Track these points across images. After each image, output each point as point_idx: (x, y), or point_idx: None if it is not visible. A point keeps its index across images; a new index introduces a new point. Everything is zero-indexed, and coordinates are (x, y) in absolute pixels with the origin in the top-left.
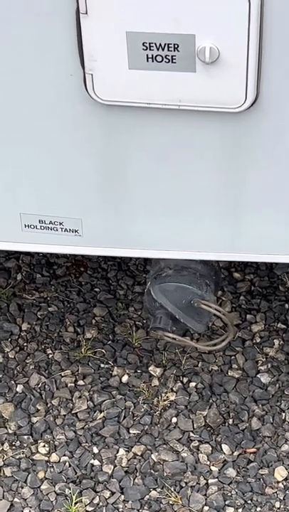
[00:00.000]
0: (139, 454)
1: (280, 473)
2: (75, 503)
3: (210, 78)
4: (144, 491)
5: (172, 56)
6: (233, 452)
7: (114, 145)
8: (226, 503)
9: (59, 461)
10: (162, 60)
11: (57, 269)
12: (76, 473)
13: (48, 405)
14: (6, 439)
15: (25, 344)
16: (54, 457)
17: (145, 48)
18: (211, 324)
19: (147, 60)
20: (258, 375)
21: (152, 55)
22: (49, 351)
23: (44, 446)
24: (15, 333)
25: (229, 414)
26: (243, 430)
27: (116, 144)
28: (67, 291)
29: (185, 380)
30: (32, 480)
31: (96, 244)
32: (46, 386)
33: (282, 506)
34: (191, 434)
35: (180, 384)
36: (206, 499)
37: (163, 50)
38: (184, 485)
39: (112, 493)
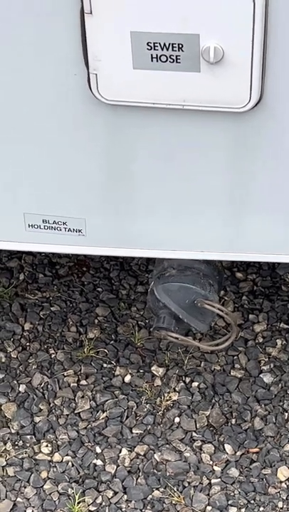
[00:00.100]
0: (141, 453)
1: (282, 473)
2: (78, 503)
3: (214, 78)
4: (146, 491)
5: (177, 56)
6: (235, 452)
7: (118, 145)
8: (229, 502)
9: (62, 461)
10: (167, 60)
11: (59, 269)
12: (79, 472)
13: (51, 405)
14: (8, 438)
15: (27, 344)
16: (57, 457)
17: (150, 47)
18: (213, 324)
19: (152, 60)
20: (261, 375)
21: (157, 55)
22: (52, 351)
23: (47, 445)
24: (17, 333)
25: (232, 414)
26: (246, 430)
27: (120, 144)
28: (70, 291)
29: (188, 379)
30: (35, 480)
31: (100, 244)
32: (49, 386)
33: (285, 506)
34: (194, 434)
35: (183, 384)
36: (208, 499)
37: (167, 50)
38: (186, 485)
39: (115, 493)
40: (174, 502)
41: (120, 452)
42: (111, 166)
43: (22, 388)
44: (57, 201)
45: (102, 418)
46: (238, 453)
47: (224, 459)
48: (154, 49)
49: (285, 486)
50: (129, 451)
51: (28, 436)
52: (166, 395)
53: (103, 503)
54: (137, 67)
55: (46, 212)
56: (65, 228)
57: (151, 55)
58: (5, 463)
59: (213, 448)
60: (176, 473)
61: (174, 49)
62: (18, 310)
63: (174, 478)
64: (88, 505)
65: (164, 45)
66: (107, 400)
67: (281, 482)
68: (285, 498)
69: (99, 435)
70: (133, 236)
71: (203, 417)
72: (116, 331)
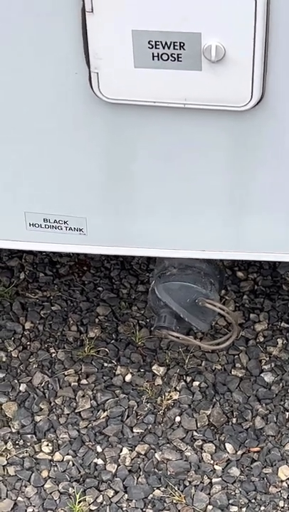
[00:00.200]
0: (142, 453)
1: (283, 472)
2: (79, 502)
3: (216, 76)
4: (147, 490)
5: (178, 54)
6: (236, 451)
7: (119, 144)
8: (230, 502)
9: (62, 460)
10: (168, 59)
11: (60, 268)
12: (80, 472)
13: (52, 404)
14: (9, 438)
15: (28, 343)
16: (57, 456)
17: (151, 46)
18: (214, 323)
19: (153, 59)
20: (262, 374)
21: (158, 54)
22: (52, 350)
23: (47, 445)
24: (18, 332)
25: (233, 413)
26: (247, 429)
27: (121, 143)
28: (71, 290)
29: (188, 379)
30: (35, 479)
31: (101, 243)
32: (49, 385)
33: (286, 505)
34: (195, 433)
35: (183, 383)
36: (209, 498)
37: (169, 48)
38: (187, 484)
39: (116, 492)
40: (174, 501)
41: (121, 451)
42: (111, 165)
43: (23, 387)
44: (58, 200)
45: (103, 417)
46: (239, 452)
47: (225, 458)
48: (156, 47)
49: (286, 485)
50: (129, 450)
51: (29, 436)
52: (166, 394)
53: (104, 503)
54: (138, 65)
55: (47, 211)
56: (66, 227)
57: (153, 53)
58: (6, 462)
59: (214, 447)
60: (176, 473)
61: (176, 47)
62: (18, 309)
63: (175, 477)
64: (89, 505)
65: (166, 43)
66: (107, 399)
67: (282, 481)
68: (286, 497)
69: (100, 434)
70: (134, 235)
71: (204, 416)
72: (117, 330)
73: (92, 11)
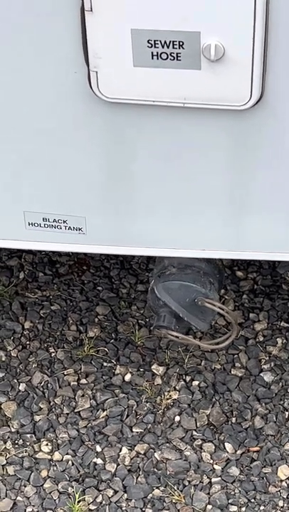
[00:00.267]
0: (142, 452)
1: (283, 471)
2: (78, 502)
3: (215, 76)
4: (147, 490)
5: (177, 53)
6: (236, 451)
7: (118, 143)
8: (229, 501)
9: (62, 460)
10: (167, 58)
11: (59, 268)
12: (79, 471)
13: (51, 404)
14: (8, 437)
15: (27, 343)
16: (57, 456)
17: (150, 45)
18: (213, 323)
19: (152, 58)
20: (261, 374)
21: (157, 53)
22: (52, 350)
23: (47, 444)
24: (17, 332)
25: (232, 412)
26: (246, 429)
27: (120, 142)
28: (70, 290)
29: (188, 378)
30: (35, 478)
31: (100, 243)
32: (49, 385)
33: (285, 505)
34: (194, 433)
35: (183, 382)
36: (209, 498)
37: (168, 47)
38: (187, 483)
39: (115, 492)
40: (174, 501)
41: (120, 451)
42: (111, 164)
43: (22, 387)
44: (57, 199)
45: (103, 417)
46: (239, 452)
47: (224, 457)
48: (155, 46)
49: (286, 484)
50: (129, 449)
51: (28, 435)
52: (166, 393)
53: (103, 502)
54: (138, 64)
55: (46, 211)
56: (66, 226)
57: (152, 52)
58: (5, 462)
59: (214, 447)
60: (176, 472)
61: (175, 47)
62: (18, 309)
63: (175, 477)
64: (88, 504)
65: (165, 42)
66: (107, 399)
67: (281, 481)
68: (285, 496)
69: (99, 434)
70: (133, 234)
71: (204, 415)
72: (116, 330)
73: (91, 10)
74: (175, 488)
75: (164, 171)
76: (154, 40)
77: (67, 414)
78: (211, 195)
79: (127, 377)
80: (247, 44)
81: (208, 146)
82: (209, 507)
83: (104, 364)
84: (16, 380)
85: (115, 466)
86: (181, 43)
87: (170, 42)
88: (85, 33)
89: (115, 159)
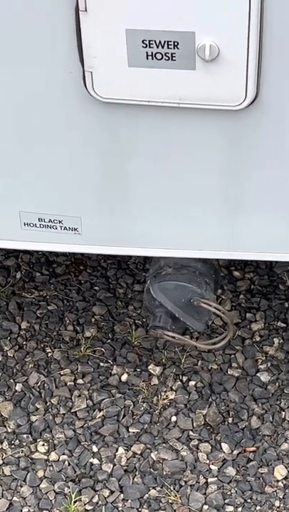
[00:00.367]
0: (138, 452)
1: (279, 472)
2: (74, 502)
3: (210, 76)
4: (143, 490)
5: (172, 54)
6: (232, 451)
7: (113, 143)
8: (226, 501)
9: (58, 460)
10: (162, 58)
11: (56, 268)
12: (75, 472)
13: (48, 404)
14: (5, 437)
15: (24, 343)
16: (53, 456)
17: (145, 45)
18: (210, 323)
19: (147, 58)
20: (258, 374)
21: (152, 53)
22: (48, 350)
23: (43, 444)
24: (14, 332)
25: (229, 413)
26: (243, 429)
27: (115, 142)
28: (67, 290)
29: (185, 378)
30: (31, 479)
31: (95, 243)
32: (45, 385)
33: (281, 505)
34: (191, 433)
35: (180, 383)
36: (205, 498)
37: (163, 47)
38: (183, 484)
39: (112, 492)
40: (170, 501)
41: (117, 451)
42: (106, 164)
43: (18, 387)
44: (52, 199)
45: (99, 417)
46: (235, 452)
47: (221, 457)
48: (150, 47)
49: (282, 484)
50: (125, 450)
51: (25, 435)
52: (163, 393)
53: (99, 502)
54: (133, 64)
55: (42, 211)
56: (61, 227)
57: (147, 52)
58: (1, 462)
59: (210, 447)
60: (172, 472)
61: (170, 47)
62: (14, 309)
63: (171, 477)
64: (84, 505)
65: (160, 42)
66: (103, 399)
67: (278, 481)
68: (281, 497)
69: (95, 434)
70: (129, 235)
71: (200, 415)
72: (113, 330)
73: (85, 10)
74: (171, 488)
75: (159, 170)
76: (149, 40)
77: (64, 414)
78: (206, 195)
79: (124, 377)
80: (242, 44)
81: (203, 146)
82: (205, 507)
83: (101, 364)
84: (12, 380)
85: (112, 466)
86: (175, 43)
87: (165, 42)
88: (79, 33)
89: (110, 159)
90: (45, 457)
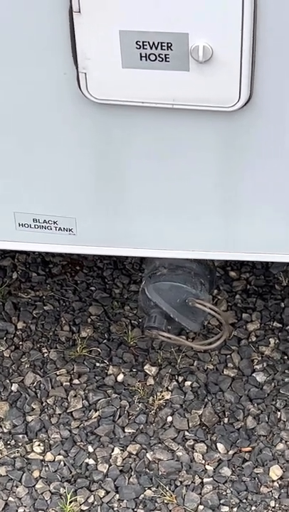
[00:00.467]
0: (134, 453)
1: (275, 472)
2: (70, 502)
3: (203, 77)
4: (139, 490)
5: (166, 55)
6: (228, 451)
7: (107, 144)
8: (221, 502)
9: (54, 460)
10: (156, 59)
11: (52, 268)
12: (71, 472)
13: (43, 404)
14: (0, 438)
15: (20, 343)
16: (49, 456)
17: (138, 46)
18: (206, 323)
19: (141, 59)
20: (254, 374)
21: (146, 54)
22: (44, 350)
23: (39, 445)
24: (10, 332)
25: (224, 413)
26: (239, 429)
27: (110, 143)
28: (63, 290)
29: (180, 379)
30: (27, 479)
31: (90, 244)
32: (41, 385)
33: (277, 505)
34: (186, 433)
35: (175, 383)
36: (200, 498)
37: (156, 48)
38: (178, 484)
39: (107, 492)
40: (166, 501)
41: (112, 451)
42: (101, 166)
43: (14, 387)
44: (48, 200)
45: (95, 417)
46: (231, 452)
47: (216, 458)
48: (143, 48)
49: (277, 485)
50: (121, 450)
51: (20, 436)
52: (158, 394)
53: (95, 503)
54: (126, 66)
55: (37, 212)
56: (56, 227)
57: (140, 53)
58: None
59: (206, 447)
60: (168, 473)
61: (163, 48)
62: (11, 309)
63: (166, 477)
64: (80, 505)
65: (153, 43)
66: (99, 399)
67: (273, 481)
68: (277, 497)
69: (91, 434)
70: (124, 235)
71: (196, 416)
72: (109, 330)
73: (79, 12)
74: (167, 488)
75: (153, 171)
76: (143, 42)
77: (60, 414)
78: (200, 196)
79: (120, 377)
80: (235, 45)
81: (198, 147)
82: (201, 507)
83: (97, 364)
84: (8, 381)
85: (107, 466)
86: (169, 45)
87: (158, 43)
88: (73, 35)
89: (105, 160)
90: (41, 457)
